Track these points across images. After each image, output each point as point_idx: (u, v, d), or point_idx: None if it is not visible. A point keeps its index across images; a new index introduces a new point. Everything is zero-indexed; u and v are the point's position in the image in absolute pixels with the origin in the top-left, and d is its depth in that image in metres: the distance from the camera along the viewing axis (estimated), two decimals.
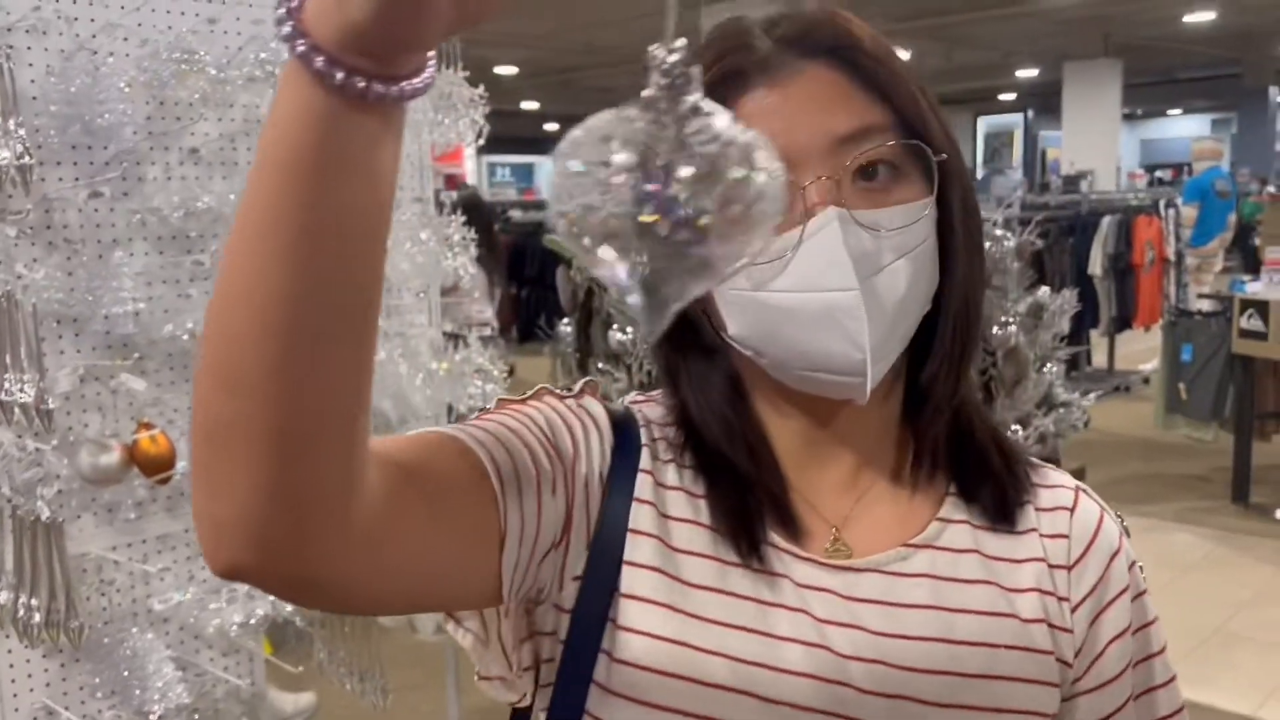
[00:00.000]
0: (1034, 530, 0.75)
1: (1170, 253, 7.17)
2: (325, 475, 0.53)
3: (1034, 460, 0.78)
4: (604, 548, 0.69)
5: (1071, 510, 0.76)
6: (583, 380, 0.78)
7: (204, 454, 0.52)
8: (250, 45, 2.00)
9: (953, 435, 0.76)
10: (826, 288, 0.66)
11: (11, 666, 1.85)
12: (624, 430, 0.73)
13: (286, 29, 0.46)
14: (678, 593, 0.69)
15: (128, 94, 1.83)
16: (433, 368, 2.18)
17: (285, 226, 0.48)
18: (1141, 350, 7.65)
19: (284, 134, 0.47)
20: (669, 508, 0.71)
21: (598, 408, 0.73)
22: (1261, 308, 4.59)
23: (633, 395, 0.79)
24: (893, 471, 0.75)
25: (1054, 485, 0.77)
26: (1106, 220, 6.95)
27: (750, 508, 0.71)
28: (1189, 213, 7.43)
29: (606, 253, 0.44)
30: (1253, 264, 8.24)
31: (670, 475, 0.73)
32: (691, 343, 0.74)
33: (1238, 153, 15.62)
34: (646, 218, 0.42)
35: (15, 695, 1.86)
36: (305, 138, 0.47)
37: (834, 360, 0.67)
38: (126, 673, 1.88)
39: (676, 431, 0.74)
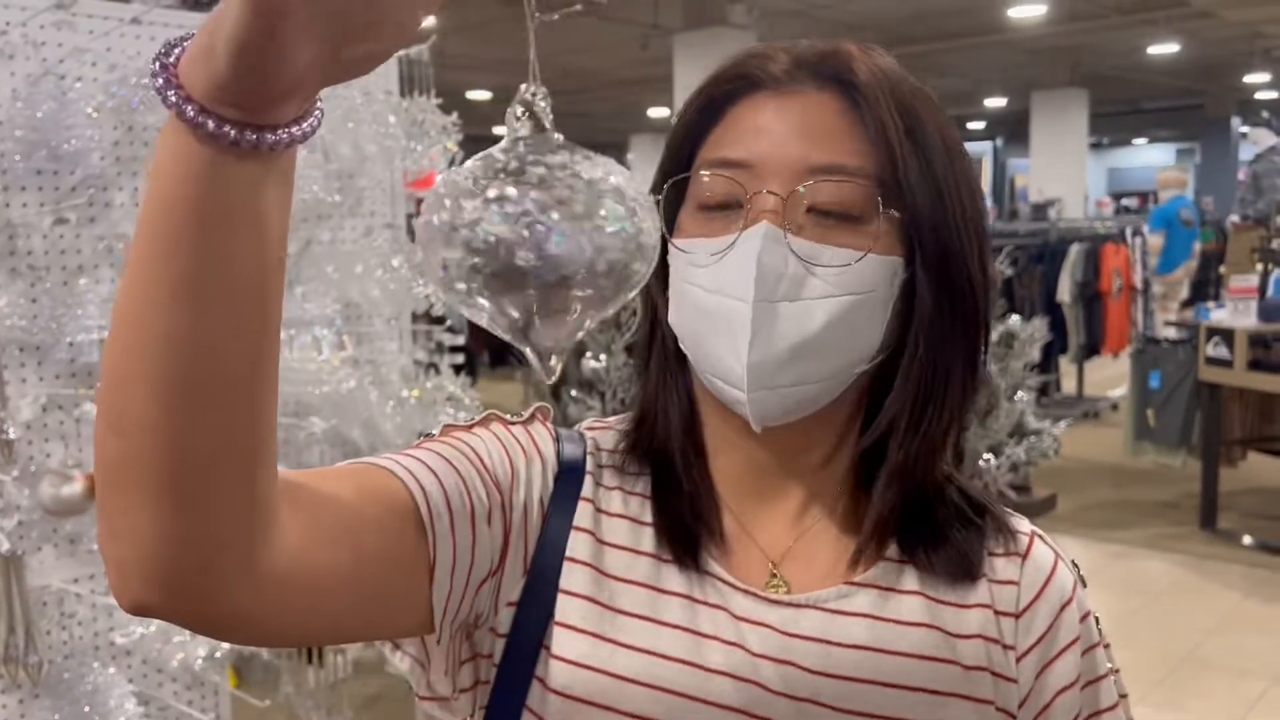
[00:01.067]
0: (984, 576, 0.73)
1: (1137, 280, 7.25)
2: (221, 521, 0.53)
3: (998, 510, 0.76)
4: (540, 574, 0.70)
5: (1024, 556, 0.74)
6: (534, 406, 0.78)
7: (101, 493, 0.53)
8: None
9: (911, 506, 0.72)
10: (730, 295, 0.66)
11: None
12: (569, 457, 0.73)
13: (159, 81, 0.46)
14: (608, 621, 0.69)
15: (95, 119, 1.81)
16: (404, 395, 2.16)
17: (167, 274, 0.48)
18: (1110, 376, 7.72)
19: (163, 182, 0.48)
20: (607, 534, 0.72)
21: (544, 434, 0.74)
22: (1227, 335, 4.65)
23: (589, 421, 0.80)
24: (841, 513, 0.73)
25: (1012, 531, 0.75)
26: (1075, 248, 7.03)
27: (693, 529, 0.72)
28: (1155, 241, 7.53)
29: (479, 300, 0.43)
30: (1203, 293, 8.43)
31: (615, 502, 0.73)
32: (662, 347, 0.75)
33: (1201, 182, 15.90)
34: (515, 263, 0.42)
35: None
36: (183, 187, 0.47)
37: (723, 368, 0.68)
38: (87, 708, 1.84)
39: (628, 449, 0.75)
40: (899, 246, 0.68)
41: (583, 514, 0.71)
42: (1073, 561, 0.77)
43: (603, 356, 2.47)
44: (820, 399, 0.69)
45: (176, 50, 0.48)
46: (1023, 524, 0.76)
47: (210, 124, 0.46)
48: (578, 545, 0.70)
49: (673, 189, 0.72)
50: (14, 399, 1.81)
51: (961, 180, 0.69)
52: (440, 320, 2.19)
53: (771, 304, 0.65)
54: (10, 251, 1.82)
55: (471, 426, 0.72)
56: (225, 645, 1.96)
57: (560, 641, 0.69)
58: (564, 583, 0.70)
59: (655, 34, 10.04)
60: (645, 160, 18.18)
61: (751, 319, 0.65)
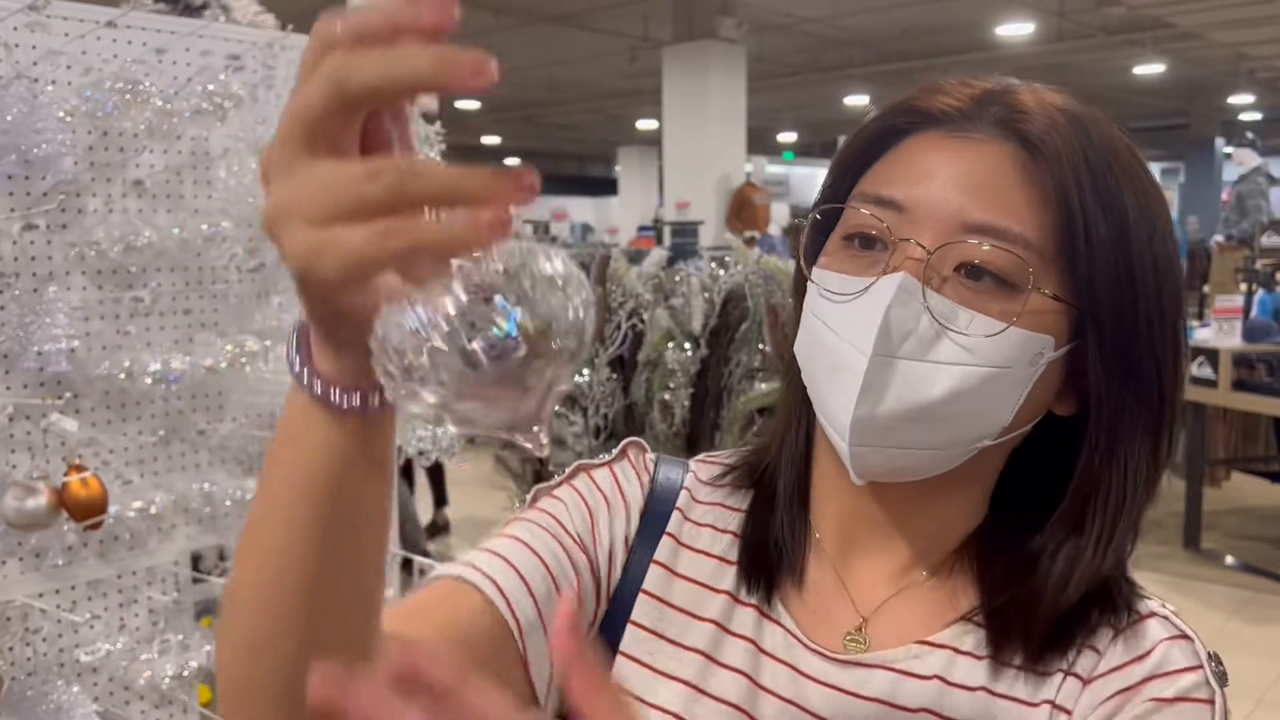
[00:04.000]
0: (1062, 671, 0.65)
1: None
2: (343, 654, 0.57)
3: (1120, 588, 0.67)
4: (618, 606, 0.72)
5: (1121, 630, 0.65)
6: (625, 442, 0.79)
7: (225, 705, 0.55)
8: (199, 77, 1.95)
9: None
10: (850, 341, 0.62)
11: None
12: (660, 492, 0.74)
13: (296, 354, 0.50)
14: (665, 653, 0.70)
15: (69, 123, 1.77)
16: None
17: (305, 522, 0.50)
18: None
19: (294, 452, 0.50)
20: (685, 569, 0.72)
21: (630, 472, 0.75)
22: (1211, 355, 4.65)
23: (704, 455, 0.79)
24: (948, 575, 0.69)
25: (1117, 608, 0.67)
26: None
27: (773, 573, 0.70)
28: None
29: (431, 392, 0.42)
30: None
31: (702, 538, 0.73)
32: (797, 381, 0.71)
33: (1186, 201, 15.98)
34: (462, 350, 0.41)
35: None
36: (314, 448, 0.50)
37: (831, 414, 0.64)
38: None
39: (733, 482, 0.74)
40: (1057, 324, 0.62)
41: (664, 548, 0.73)
42: (1214, 658, 0.65)
43: (586, 371, 2.44)
44: (932, 466, 0.64)
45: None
46: (1143, 604, 0.67)
47: (318, 389, 0.48)
48: (653, 579, 0.72)
49: (825, 216, 0.67)
50: None
51: (1160, 249, 0.62)
52: None
53: (891, 360, 0.61)
54: None
55: (560, 484, 0.76)
56: (194, 663, 1.91)
57: (620, 670, 0.70)
58: (635, 614, 0.71)
59: (644, 46, 10.04)
60: (632, 172, 18.17)
61: (865, 372, 0.61)
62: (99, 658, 1.88)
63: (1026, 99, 0.64)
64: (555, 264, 0.44)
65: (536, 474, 2.59)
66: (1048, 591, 0.65)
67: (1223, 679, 0.64)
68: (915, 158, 0.65)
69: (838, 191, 0.68)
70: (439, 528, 5.26)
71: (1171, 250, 0.64)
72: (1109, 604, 0.66)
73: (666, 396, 2.31)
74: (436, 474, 5.21)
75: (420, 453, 2.16)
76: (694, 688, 0.68)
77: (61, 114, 1.74)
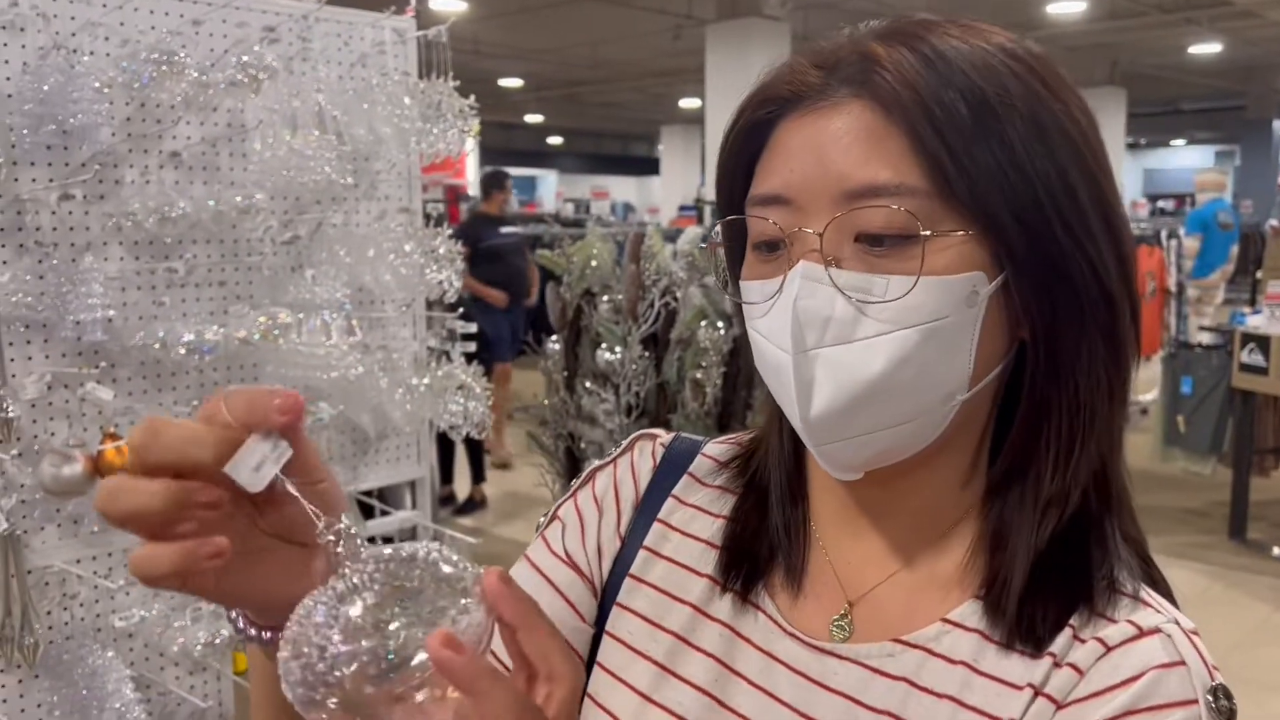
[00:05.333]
0: (1051, 656, 0.60)
1: (1171, 284, 7.12)
2: None
3: (1126, 588, 0.61)
4: (609, 592, 0.72)
5: (1111, 647, 0.59)
6: (635, 434, 0.79)
7: None
8: (235, 49, 1.96)
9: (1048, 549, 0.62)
10: (777, 344, 0.61)
11: None
12: (660, 480, 0.74)
13: (239, 625, 0.58)
14: (645, 634, 0.69)
15: (106, 94, 1.78)
16: (413, 383, 2.12)
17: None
18: (1141, 380, 7.57)
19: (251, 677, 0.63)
20: (671, 551, 0.72)
21: (627, 471, 0.76)
22: (1262, 342, 4.54)
23: (721, 437, 0.78)
24: (944, 559, 0.65)
25: (1112, 618, 0.60)
26: None
27: (754, 559, 0.69)
28: (1191, 244, 7.39)
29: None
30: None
31: (695, 522, 0.72)
32: None
33: (1241, 185, 15.62)
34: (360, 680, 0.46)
35: None
36: (256, 675, 0.62)
37: (790, 420, 0.62)
38: (85, 691, 1.82)
39: (733, 472, 0.73)
40: (975, 260, 0.58)
41: (653, 534, 0.72)
42: (1220, 692, 0.58)
43: (617, 349, 2.42)
44: (917, 439, 0.61)
45: None
46: (1148, 617, 0.60)
47: (240, 625, 0.57)
48: (640, 563, 0.72)
49: (734, 229, 0.65)
50: (19, 377, 1.78)
51: (1071, 163, 0.59)
52: (453, 307, 2.15)
53: (817, 352, 0.59)
54: (18, 228, 1.80)
55: (569, 497, 0.77)
56: (225, 631, 1.94)
57: (605, 651, 0.71)
58: (620, 596, 0.71)
59: (688, 24, 9.96)
60: (675, 151, 18.09)
61: (793, 371, 0.59)
62: (133, 624, 1.91)
63: (873, 49, 0.60)
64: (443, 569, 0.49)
65: (569, 451, 2.59)
66: (1011, 534, 0.62)
67: (1229, 717, 0.57)
68: (783, 144, 0.62)
69: (734, 198, 0.65)
70: (476, 503, 5.30)
71: (1089, 159, 0.60)
72: (1096, 583, 0.61)
73: (698, 375, 2.29)
74: (475, 450, 5.24)
75: (451, 427, 2.17)
76: (663, 668, 0.68)
77: (98, 85, 1.75)
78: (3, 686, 1.83)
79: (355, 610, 0.46)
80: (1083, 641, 0.59)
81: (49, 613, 1.85)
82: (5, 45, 1.76)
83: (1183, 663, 0.58)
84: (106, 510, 0.49)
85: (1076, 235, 0.59)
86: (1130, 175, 18.53)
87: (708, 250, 0.70)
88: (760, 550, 0.69)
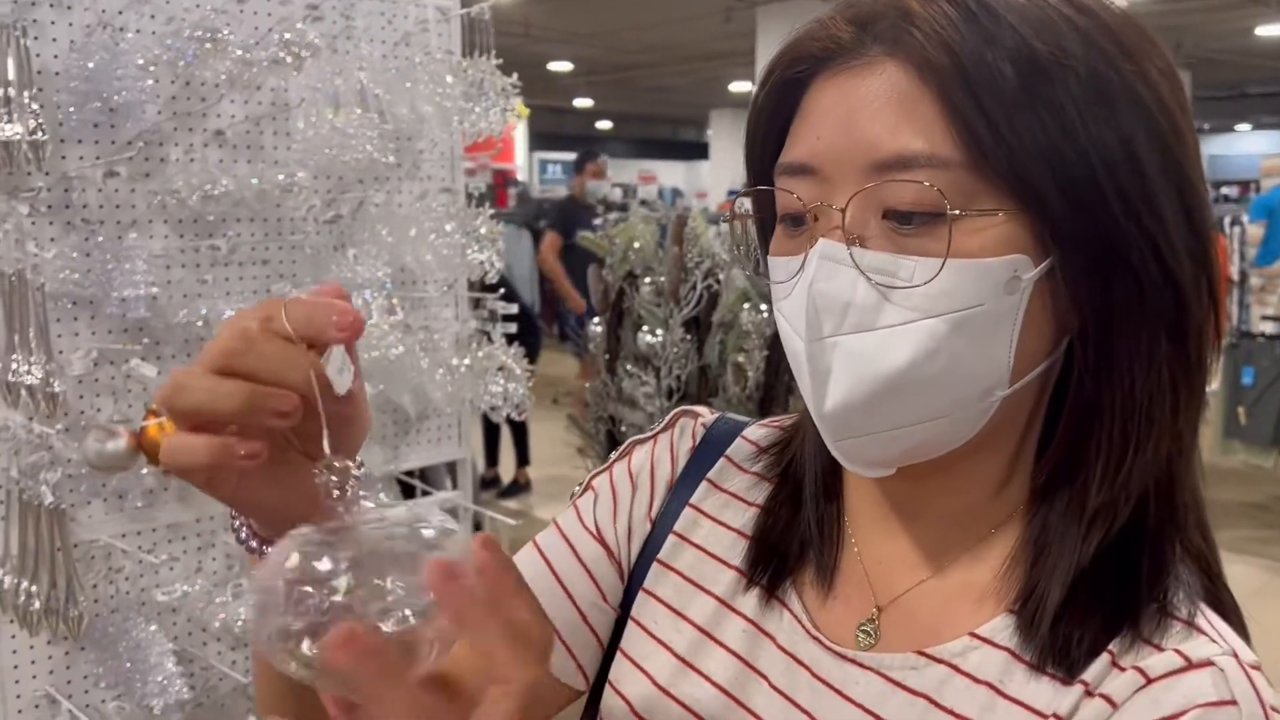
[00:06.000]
0: (1083, 684, 0.55)
1: (1234, 272, 6.94)
2: None
3: (1179, 610, 0.56)
4: (636, 575, 0.70)
5: (1152, 680, 0.53)
6: (675, 411, 0.76)
7: None
8: (278, 26, 1.96)
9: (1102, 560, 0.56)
10: (795, 329, 0.56)
11: (14, 653, 1.82)
12: (698, 461, 0.71)
13: (238, 528, 0.59)
14: (668, 623, 0.67)
15: (150, 72, 1.79)
16: (454, 363, 2.11)
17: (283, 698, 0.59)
18: None
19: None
20: (702, 540, 0.69)
21: (665, 449, 0.73)
22: None
23: (767, 420, 0.75)
24: (971, 567, 0.61)
25: (1172, 649, 0.54)
26: None
27: (782, 555, 0.65)
28: (1255, 231, 7.18)
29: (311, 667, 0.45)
30: None
31: (727, 510, 0.69)
32: None
33: None
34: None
35: (18, 682, 1.83)
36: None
37: (812, 413, 0.58)
38: (129, 664, 1.84)
39: (770, 460, 0.70)
40: (1016, 241, 0.53)
41: (684, 519, 0.70)
42: None
43: (659, 331, 2.40)
44: (953, 436, 0.56)
45: None
46: (1200, 647, 0.54)
47: (243, 536, 0.58)
48: (669, 548, 0.70)
49: (766, 198, 0.61)
50: (66, 353, 1.80)
51: (1139, 133, 0.52)
52: (494, 288, 2.14)
53: (835, 340, 0.54)
54: (65, 205, 1.81)
55: (607, 468, 0.75)
56: None
57: (629, 637, 0.69)
58: (647, 582, 0.69)
59: (739, 6, 9.88)
60: (724, 135, 17.99)
61: (808, 360, 0.54)
62: (176, 598, 1.93)
63: (909, 3, 0.54)
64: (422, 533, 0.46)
65: (609, 434, 2.58)
66: (1052, 545, 0.56)
67: None
68: (813, 109, 0.57)
69: (765, 167, 0.60)
70: (521, 486, 5.32)
71: (1162, 127, 0.54)
72: (1145, 605, 0.55)
73: (740, 358, 2.26)
74: (520, 433, 5.25)
75: (492, 408, 2.16)
76: (683, 661, 0.66)
77: (142, 62, 1.76)
78: (50, 658, 1.86)
79: (325, 565, 0.44)
80: (1121, 670, 0.54)
81: (95, 586, 1.87)
82: (53, 24, 1.77)
83: (1234, 702, 0.51)
84: (169, 464, 0.50)
85: (1139, 214, 0.52)
86: None
87: (733, 224, 0.66)
88: (791, 546, 0.65)
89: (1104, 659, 0.54)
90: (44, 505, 1.68)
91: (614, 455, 0.76)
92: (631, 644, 0.68)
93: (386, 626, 0.43)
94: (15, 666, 1.82)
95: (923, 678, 0.58)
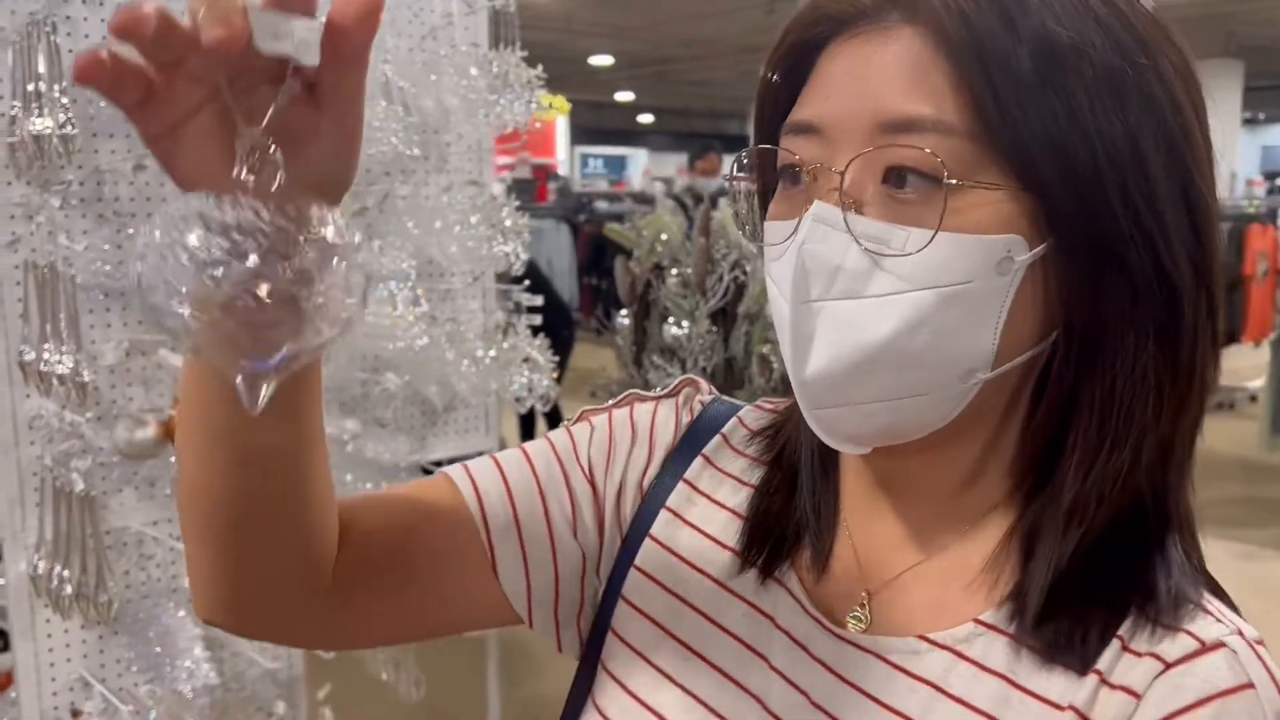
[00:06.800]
0: (1098, 674, 0.54)
1: None
2: (269, 565, 0.60)
3: (1183, 595, 0.55)
4: (627, 550, 0.68)
5: (1170, 665, 0.53)
6: (680, 378, 0.75)
7: (179, 516, 0.61)
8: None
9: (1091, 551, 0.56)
10: (782, 292, 0.55)
11: (49, 636, 1.86)
12: (694, 436, 0.70)
13: None
14: (666, 606, 0.66)
15: None
16: (479, 354, 2.13)
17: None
18: (1249, 366, 7.27)
19: None
20: (696, 519, 0.68)
21: (669, 412, 0.71)
22: None
23: (762, 400, 0.74)
24: (971, 548, 0.60)
25: (1173, 628, 0.54)
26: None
27: (780, 535, 0.64)
28: None
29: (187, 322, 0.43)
30: None
31: (723, 489, 0.68)
32: None
33: None
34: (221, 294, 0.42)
35: (52, 665, 1.87)
36: None
37: (791, 380, 0.57)
38: (159, 649, 1.88)
39: (765, 440, 0.69)
40: (1013, 221, 0.52)
41: (678, 494, 0.69)
42: None
43: (685, 323, 2.40)
44: (930, 415, 0.55)
45: None
46: (1208, 627, 0.54)
47: None
48: (660, 524, 0.68)
49: (770, 163, 0.60)
50: (98, 343, 1.84)
51: (1143, 127, 0.52)
52: (519, 280, 2.16)
53: (821, 305, 0.53)
54: (97, 198, 1.85)
55: (605, 409, 0.73)
56: None
57: (620, 618, 0.67)
58: (639, 559, 0.68)
59: None
60: None
61: (791, 324, 0.54)
62: None
63: None
64: (329, 230, 0.44)
65: None
66: (1040, 538, 0.56)
67: None
68: (825, 71, 0.56)
69: (772, 128, 0.60)
70: None
71: (1173, 127, 0.53)
72: (1149, 589, 0.55)
73: (765, 350, 2.26)
74: (555, 424, 5.29)
75: (517, 399, 2.17)
76: (685, 645, 0.65)
77: None
78: (84, 641, 1.90)
79: (195, 238, 0.41)
80: (1136, 655, 0.53)
81: (126, 572, 1.91)
82: (85, 19, 1.80)
83: (1250, 685, 0.51)
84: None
85: (1138, 210, 0.52)
86: (1247, 152, 17.73)
87: (733, 186, 0.65)
88: (787, 527, 0.65)
89: (1114, 645, 0.54)
90: (75, 493, 1.71)
91: (610, 402, 0.74)
92: (625, 626, 0.67)
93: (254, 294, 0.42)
94: (50, 650, 1.86)
95: (925, 663, 0.58)
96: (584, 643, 0.71)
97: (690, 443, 0.70)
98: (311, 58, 0.43)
